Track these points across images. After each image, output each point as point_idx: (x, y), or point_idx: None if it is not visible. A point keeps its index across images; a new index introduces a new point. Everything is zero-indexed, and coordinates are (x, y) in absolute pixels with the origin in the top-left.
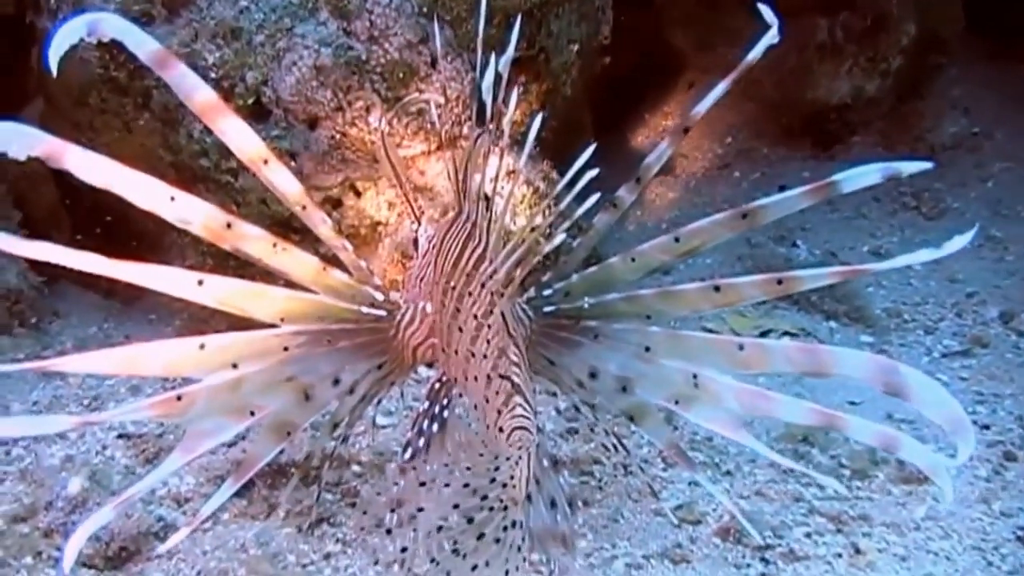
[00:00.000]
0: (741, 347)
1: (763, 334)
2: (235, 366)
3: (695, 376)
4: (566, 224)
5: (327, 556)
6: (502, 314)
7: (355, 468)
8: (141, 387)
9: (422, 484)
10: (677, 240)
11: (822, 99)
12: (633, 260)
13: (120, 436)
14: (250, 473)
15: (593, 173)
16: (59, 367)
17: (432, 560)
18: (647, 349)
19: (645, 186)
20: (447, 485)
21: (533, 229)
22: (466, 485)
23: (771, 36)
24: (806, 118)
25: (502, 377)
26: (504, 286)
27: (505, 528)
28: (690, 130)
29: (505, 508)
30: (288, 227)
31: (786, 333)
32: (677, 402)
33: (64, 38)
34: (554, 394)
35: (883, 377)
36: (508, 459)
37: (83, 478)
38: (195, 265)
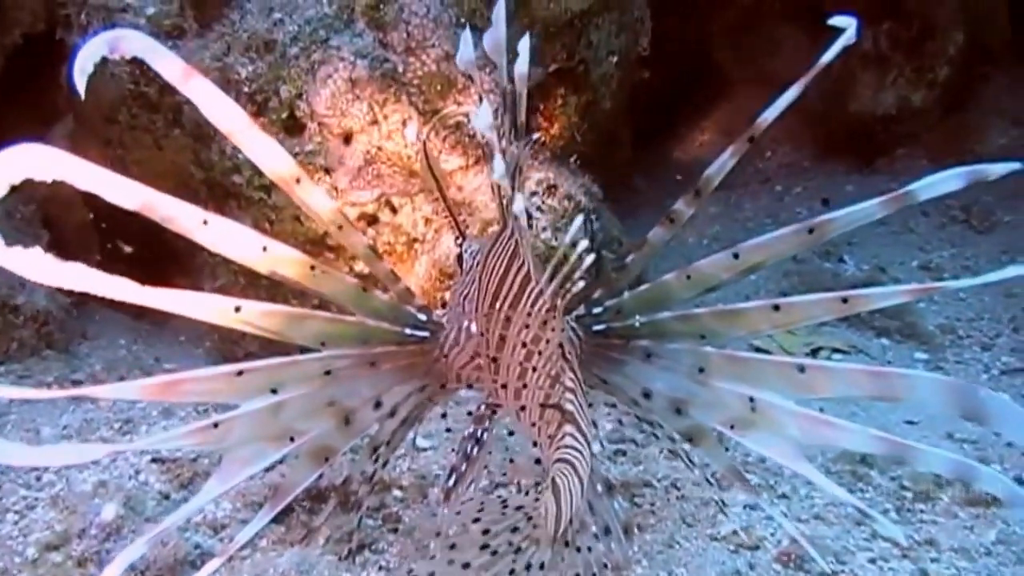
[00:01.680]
0: (802, 369)
1: (813, 352)
2: (274, 391)
3: (752, 400)
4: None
5: None
6: (556, 338)
7: (396, 493)
8: (173, 410)
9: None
10: (736, 256)
11: (866, 110)
12: (689, 277)
13: (154, 460)
14: (287, 499)
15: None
16: (94, 395)
17: None
18: (701, 370)
19: (704, 200)
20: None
21: (575, 245)
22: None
23: (848, 36)
24: (849, 130)
25: (552, 406)
26: (553, 307)
27: (528, 567)
28: (755, 140)
29: (522, 548)
30: (322, 245)
31: (836, 351)
32: (733, 427)
33: (86, 58)
34: (613, 406)
35: (961, 402)
36: (544, 493)
37: (117, 504)
38: (226, 285)
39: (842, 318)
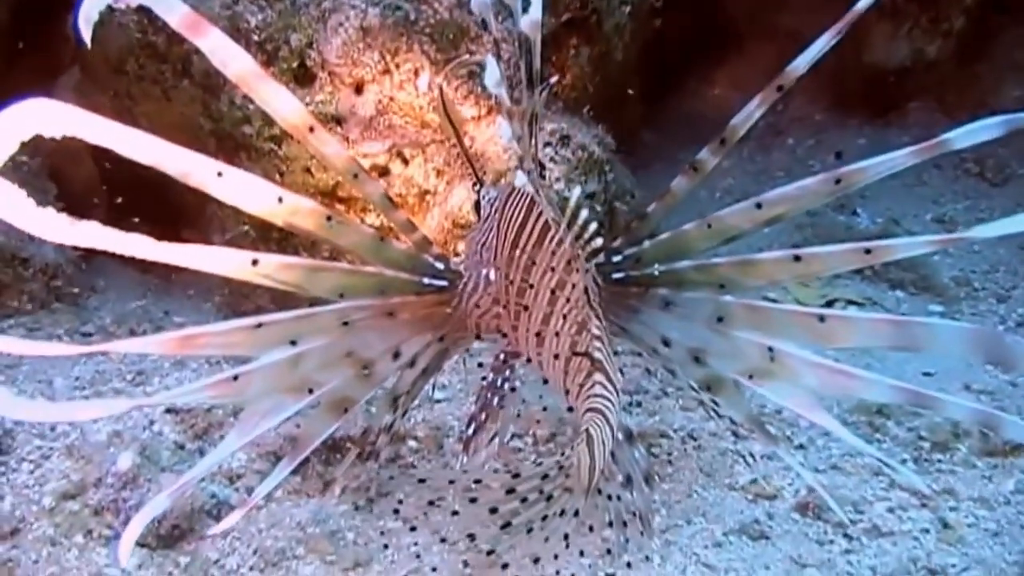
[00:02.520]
0: (822, 319)
1: (828, 304)
2: (293, 343)
3: (771, 349)
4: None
5: (386, 533)
6: (580, 285)
7: (411, 443)
8: (186, 362)
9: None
10: (759, 207)
11: (880, 62)
12: (709, 227)
13: (168, 411)
14: (307, 451)
15: None
16: (114, 350)
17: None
18: (720, 320)
19: (730, 149)
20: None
21: (589, 197)
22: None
23: None
24: (862, 83)
25: (581, 354)
26: (575, 254)
27: (561, 513)
28: (784, 88)
29: (554, 496)
30: (333, 197)
31: (851, 303)
32: (751, 376)
33: (90, 7)
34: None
35: (986, 348)
36: (576, 444)
37: (133, 453)
38: (236, 237)
39: (856, 271)
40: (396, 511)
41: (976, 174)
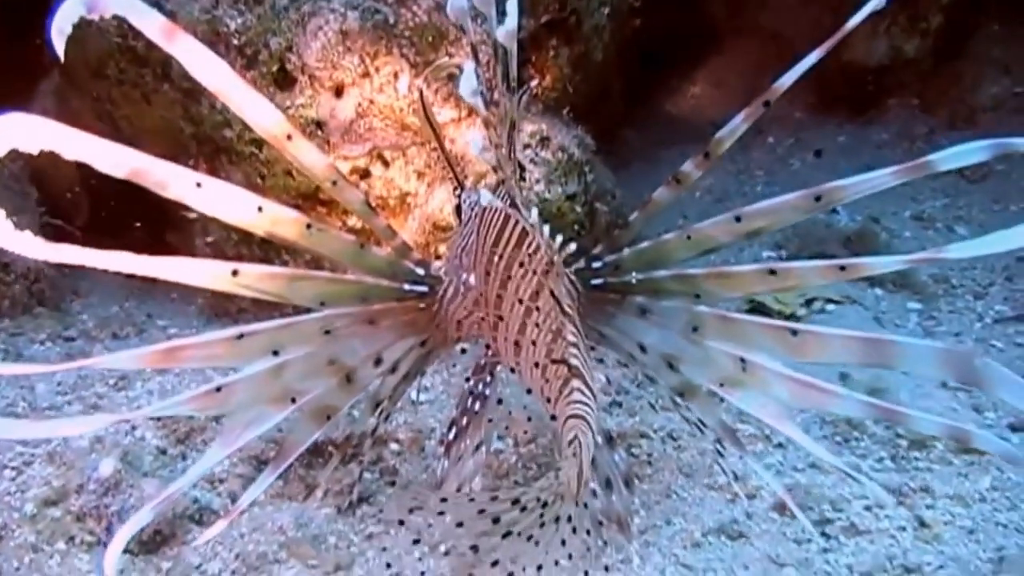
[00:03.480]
0: (795, 333)
1: (807, 302)
2: (276, 353)
3: (743, 360)
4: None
5: (369, 537)
6: (553, 293)
7: (393, 446)
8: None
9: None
10: (738, 220)
11: (859, 60)
12: (689, 238)
13: (150, 417)
14: (290, 459)
15: None
16: (96, 366)
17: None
18: (695, 329)
19: (715, 162)
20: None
21: (570, 198)
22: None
23: (877, 3)
24: (842, 81)
25: (558, 361)
26: (551, 260)
27: (556, 520)
28: (771, 104)
29: (547, 504)
30: (315, 199)
31: (830, 301)
32: (723, 385)
33: (64, 19)
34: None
35: (956, 369)
36: (564, 451)
37: (114, 459)
38: (218, 240)
39: None
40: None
41: (955, 171)
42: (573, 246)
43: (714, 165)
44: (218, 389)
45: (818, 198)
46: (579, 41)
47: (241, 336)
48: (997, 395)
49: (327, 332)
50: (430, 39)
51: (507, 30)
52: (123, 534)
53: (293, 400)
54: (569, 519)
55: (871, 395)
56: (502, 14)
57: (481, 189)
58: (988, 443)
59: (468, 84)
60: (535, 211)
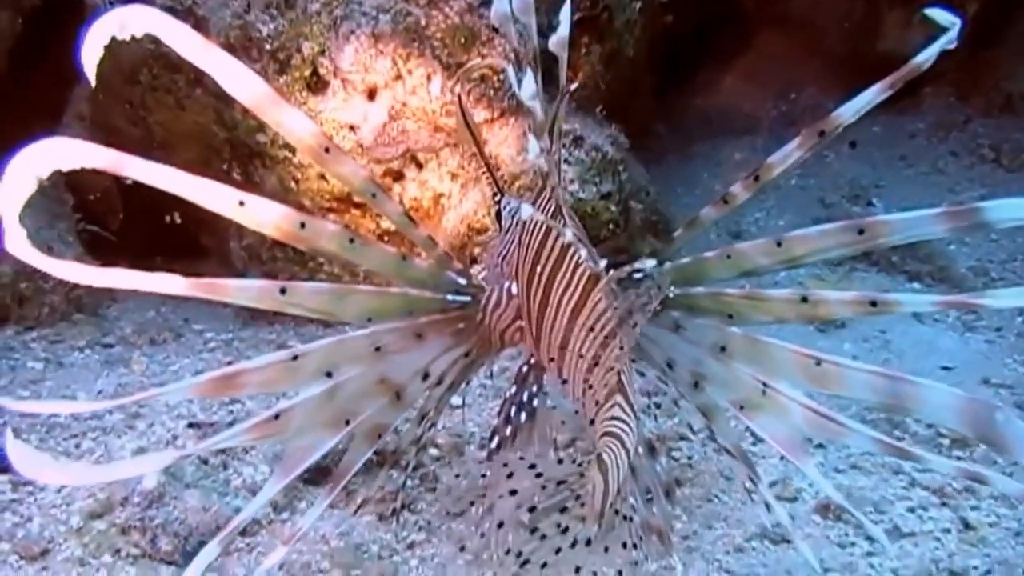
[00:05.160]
0: (818, 363)
1: None
2: (329, 375)
3: (765, 385)
4: None
5: (411, 545)
6: (603, 302)
7: (433, 451)
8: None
9: (508, 476)
10: (779, 245)
11: (893, 51)
12: (729, 257)
13: (191, 426)
14: (343, 481)
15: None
16: (158, 397)
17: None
18: (723, 349)
19: (763, 185)
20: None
21: (604, 197)
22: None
23: (950, 38)
24: (875, 72)
25: (605, 370)
26: (597, 272)
27: (573, 544)
28: (826, 134)
29: (569, 528)
30: (348, 202)
31: None
32: (743, 408)
33: (95, 40)
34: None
35: (976, 423)
36: (590, 468)
37: (158, 471)
38: (253, 244)
39: (872, 263)
40: (419, 525)
41: (992, 160)
42: (652, 262)
43: (762, 187)
44: (276, 416)
45: (861, 231)
46: (611, 38)
47: (296, 357)
48: (1016, 457)
49: (377, 349)
50: (462, 41)
51: (559, 37)
52: (195, 567)
53: (347, 422)
54: (588, 543)
55: None
56: (555, 22)
57: (523, 203)
58: (1005, 484)
59: (528, 88)
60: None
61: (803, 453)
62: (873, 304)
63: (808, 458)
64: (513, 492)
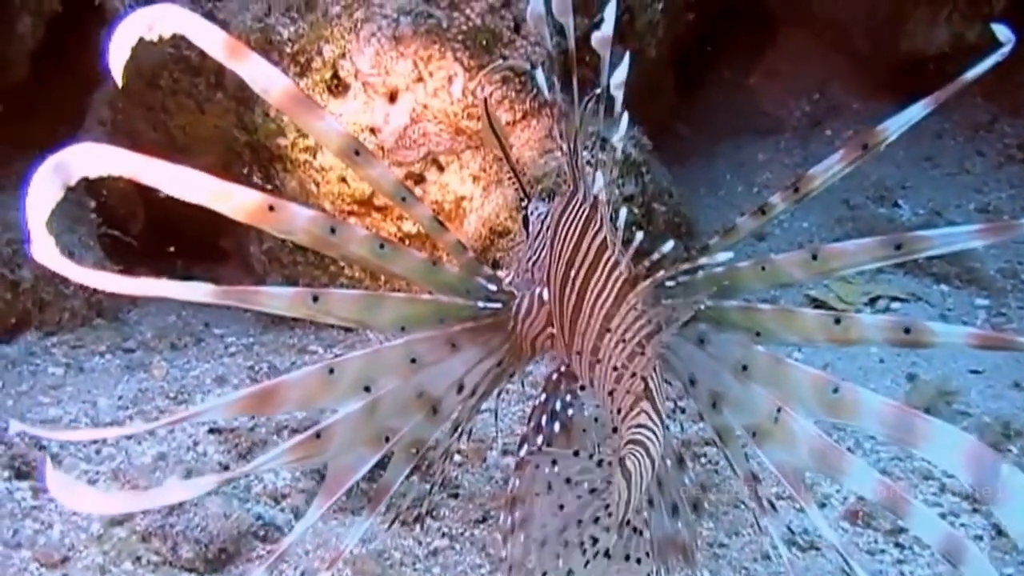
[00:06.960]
0: (836, 390)
1: (872, 300)
2: (367, 389)
3: (779, 410)
4: None
5: (434, 552)
6: (637, 309)
7: (455, 457)
8: (227, 376)
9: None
10: (815, 257)
11: (919, 49)
12: (763, 269)
13: (211, 431)
14: (384, 499)
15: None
16: (189, 418)
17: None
18: (744, 368)
19: (803, 197)
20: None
21: (627, 199)
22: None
23: (1002, 52)
24: (900, 70)
25: (634, 376)
26: (633, 278)
27: (596, 555)
28: (869, 148)
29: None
30: (369, 205)
31: (895, 299)
32: (754, 434)
33: (122, 40)
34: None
35: (979, 469)
36: (615, 475)
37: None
38: (273, 248)
39: (899, 264)
40: (442, 531)
41: (1021, 160)
42: (670, 244)
43: (802, 198)
44: (318, 435)
45: (899, 246)
46: (633, 38)
47: (332, 370)
48: (1006, 513)
49: (413, 361)
50: (484, 42)
51: (603, 36)
52: None
53: (387, 439)
54: (607, 554)
55: (940, 396)
56: (599, 20)
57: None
58: (979, 565)
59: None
60: (623, 211)
61: (805, 491)
62: (907, 331)
63: (808, 497)
64: (560, 507)
